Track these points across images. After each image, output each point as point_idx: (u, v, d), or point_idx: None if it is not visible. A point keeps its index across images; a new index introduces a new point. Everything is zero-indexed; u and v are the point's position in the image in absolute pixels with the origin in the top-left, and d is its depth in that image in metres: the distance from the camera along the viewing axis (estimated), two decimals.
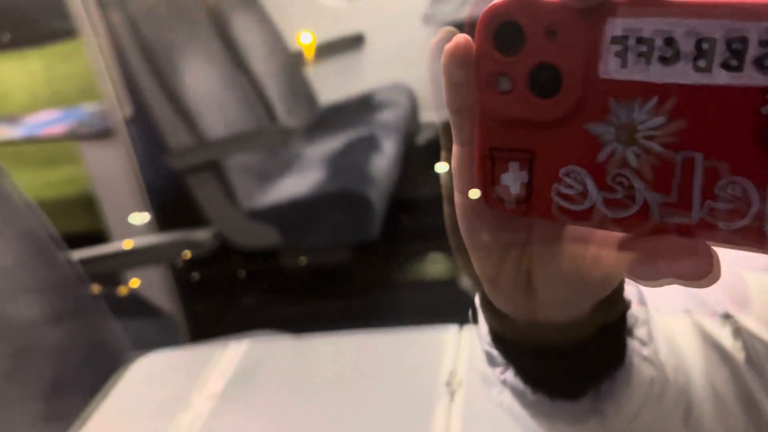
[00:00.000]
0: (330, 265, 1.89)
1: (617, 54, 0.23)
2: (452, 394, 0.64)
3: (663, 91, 0.22)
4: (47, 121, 2.15)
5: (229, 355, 0.74)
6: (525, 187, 0.25)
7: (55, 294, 1.01)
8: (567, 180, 0.25)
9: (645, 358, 0.35)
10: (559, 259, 0.28)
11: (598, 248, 0.26)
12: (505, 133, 0.25)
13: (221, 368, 0.71)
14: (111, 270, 1.27)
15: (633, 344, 0.35)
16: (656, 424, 0.37)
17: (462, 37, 0.25)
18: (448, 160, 0.29)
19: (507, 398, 0.37)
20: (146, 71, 1.89)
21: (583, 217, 0.25)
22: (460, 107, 0.26)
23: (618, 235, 0.26)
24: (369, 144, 2.07)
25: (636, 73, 0.22)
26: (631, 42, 0.22)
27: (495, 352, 0.36)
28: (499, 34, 0.24)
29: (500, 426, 0.59)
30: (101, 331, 1.02)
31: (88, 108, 2.11)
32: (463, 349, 0.69)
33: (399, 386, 0.67)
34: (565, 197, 0.25)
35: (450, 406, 0.62)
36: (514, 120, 0.25)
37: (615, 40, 0.23)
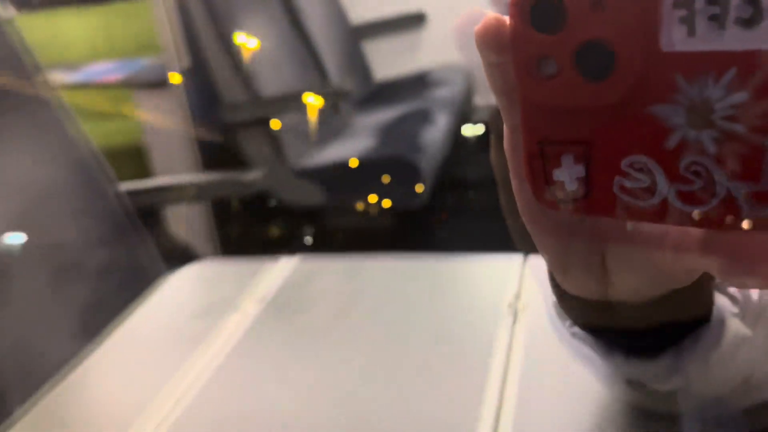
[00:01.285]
0: (372, 229, 1.89)
1: (682, 20, 0.19)
2: (515, 315, 0.62)
3: (743, 61, 0.18)
4: (104, 70, 2.20)
5: (281, 266, 0.73)
6: (582, 183, 0.22)
7: (101, 220, 1.03)
8: (631, 172, 0.21)
9: (734, 315, 0.33)
10: (635, 252, 0.25)
11: (679, 244, 0.23)
12: (553, 123, 0.22)
13: (272, 278, 0.71)
14: (156, 204, 1.29)
15: (722, 301, 0.32)
16: (741, 383, 0.34)
17: (491, 18, 0.22)
18: (498, 146, 0.26)
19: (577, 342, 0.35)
20: (207, 25, 1.91)
21: (653, 214, 0.21)
22: (504, 89, 0.23)
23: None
24: (422, 116, 2.06)
25: (707, 41, 0.18)
26: (699, 4, 0.18)
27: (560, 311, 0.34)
28: (536, 11, 0.21)
29: (563, 349, 0.57)
30: (141, 257, 1.04)
31: (145, 60, 2.16)
32: (527, 276, 0.67)
33: (456, 309, 0.65)
34: (630, 192, 0.21)
35: (513, 328, 0.60)
36: (563, 108, 0.21)
37: (678, 3, 0.19)
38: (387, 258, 0.73)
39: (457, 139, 2.24)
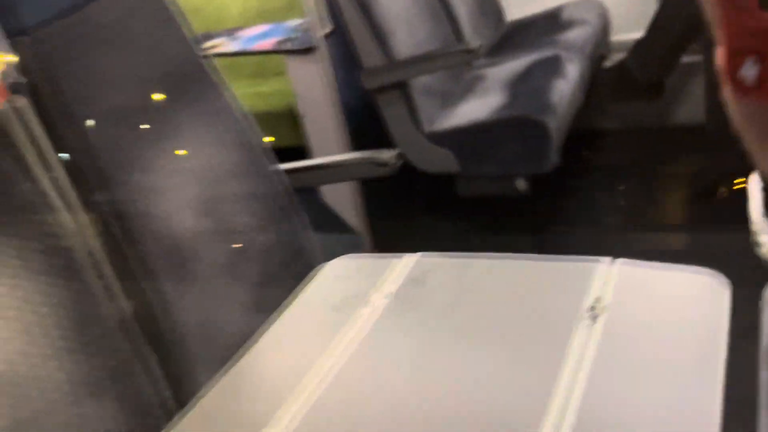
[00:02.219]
0: (502, 195, 1.93)
1: None
2: (594, 318, 0.72)
3: None
4: (258, 35, 2.35)
5: (404, 263, 0.87)
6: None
7: (265, 201, 1.18)
8: None
9: None
10: None
11: None
12: (745, 38, 0.29)
13: (396, 273, 0.85)
14: (308, 183, 1.42)
15: None
16: None
17: None
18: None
19: None
20: None
21: None
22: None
23: None
24: (552, 67, 2.03)
25: None
26: None
27: None
28: None
29: (635, 350, 0.67)
30: (300, 239, 1.19)
31: (294, 24, 2.28)
32: (612, 279, 0.77)
33: (546, 308, 0.76)
34: None
35: (590, 330, 0.70)
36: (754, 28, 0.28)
37: None
38: (493, 258, 0.85)
39: (592, 85, 2.19)
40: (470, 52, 2.04)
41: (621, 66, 2.34)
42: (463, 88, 2.15)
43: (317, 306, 0.84)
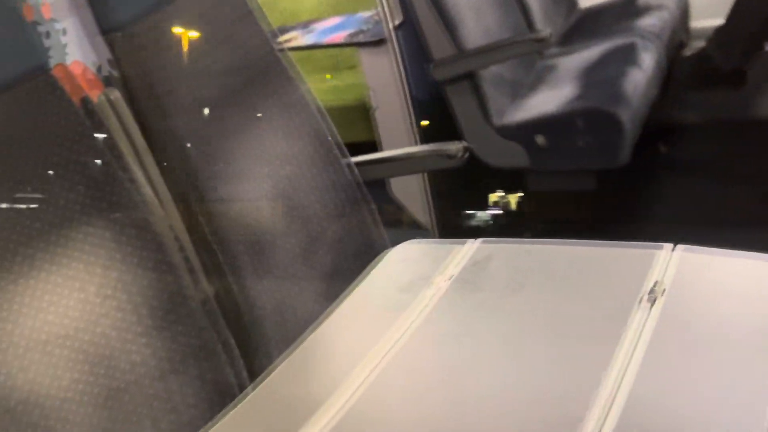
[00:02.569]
0: (572, 190, 1.91)
1: None
2: (652, 302, 0.73)
3: None
4: (330, 28, 2.40)
5: (466, 248, 0.91)
6: None
7: (337, 192, 1.23)
8: None
9: None
10: None
11: None
12: None
13: (459, 258, 0.89)
14: (377, 176, 1.46)
15: None
16: None
17: None
18: None
19: None
20: None
21: None
22: None
23: None
24: (626, 56, 1.98)
25: None
26: None
27: None
28: None
29: (692, 335, 0.68)
30: (369, 229, 1.24)
31: (365, 15, 2.32)
32: (673, 265, 0.77)
33: (604, 293, 0.78)
34: None
35: (647, 314, 0.72)
36: None
37: None
38: (553, 243, 0.87)
39: (669, 74, 2.13)
40: (541, 41, 2.00)
41: (701, 54, 2.26)
42: (534, 78, 2.13)
43: (383, 288, 0.88)
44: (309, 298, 1.06)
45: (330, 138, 1.25)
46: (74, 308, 0.85)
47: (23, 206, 0.83)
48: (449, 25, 2.00)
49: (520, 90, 2.07)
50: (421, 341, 0.77)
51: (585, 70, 2.04)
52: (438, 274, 0.87)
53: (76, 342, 0.84)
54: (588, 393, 0.64)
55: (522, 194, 1.99)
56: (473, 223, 2.03)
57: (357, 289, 0.88)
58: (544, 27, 2.27)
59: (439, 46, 2.00)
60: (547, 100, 1.96)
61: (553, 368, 0.71)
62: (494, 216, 2.03)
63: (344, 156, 1.27)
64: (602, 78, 1.95)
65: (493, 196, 1.96)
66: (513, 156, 1.93)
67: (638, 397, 0.63)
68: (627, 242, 0.83)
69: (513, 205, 2.00)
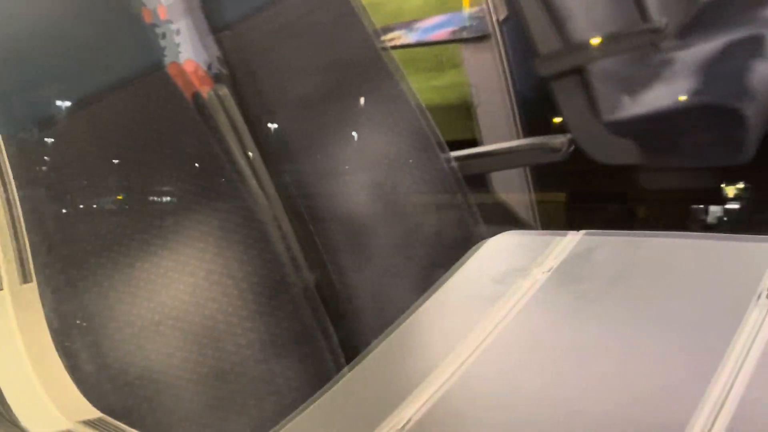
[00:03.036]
0: (691, 189, 1.82)
1: None
2: None
3: None
4: (434, 25, 2.42)
5: (567, 240, 0.89)
6: None
7: (435, 186, 1.24)
8: None
9: None
10: None
11: None
12: None
13: (559, 250, 0.87)
14: (478, 170, 1.46)
15: None
16: None
17: None
18: None
19: None
20: None
21: None
22: None
23: None
24: (753, 47, 1.87)
25: None
26: None
27: None
28: None
29: None
30: (467, 223, 1.24)
31: (469, 12, 2.32)
32: None
33: (716, 290, 0.73)
34: None
35: (765, 312, 0.67)
36: None
37: None
38: (661, 236, 0.83)
39: None
40: (655, 32, 1.93)
41: None
42: (649, 73, 2.05)
43: (478, 278, 0.88)
44: (405, 289, 1.08)
45: (429, 133, 1.27)
46: (185, 291, 0.91)
47: (139, 194, 0.90)
48: (556, 18, 1.96)
49: (633, 85, 1.99)
50: (515, 332, 0.76)
51: (706, 63, 1.94)
52: (536, 265, 0.86)
53: (186, 323, 0.89)
54: (696, 395, 0.61)
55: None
56: (575, 218, 1.97)
57: (451, 279, 0.88)
58: (659, 18, 2.18)
59: (545, 40, 1.96)
60: (664, 94, 1.87)
61: (658, 366, 0.68)
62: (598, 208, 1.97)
63: (443, 151, 1.28)
64: (725, 71, 1.85)
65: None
66: (624, 152, 1.86)
67: (751, 402, 0.59)
68: (743, 235, 0.78)
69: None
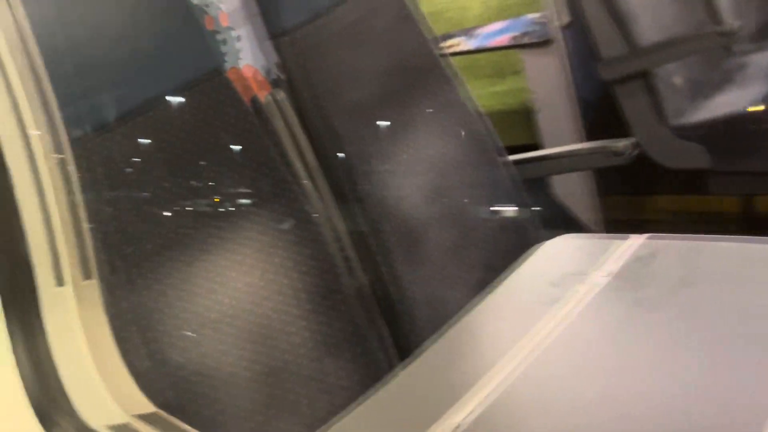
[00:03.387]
0: (761, 193, 1.75)
1: None
2: None
3: None
4: (495, 32, 2.41)
5: (629, 243, 0.86)
6: None
7: (492, 190, 1.23)
8: None
9: None
10: None
11: None
12: None
13: (620, 253, 0.84)
14: (538, 173, 1.44)
15: None
16: None
17: None
18: None
19: None
20: None
21: None
22: None
23: None
24: None
25: None
26: None
27: None
28: None
29: None
30: (526, 228, 1.22)
31: (531, 17, 2.30)
32: None
33: None
34: None
35: None
36: None
37: None
38: (729, 241, 0.80)
39: None
40: (726, 35, 1.87)
41: None
42: (721, 76, 1.98)
43: (534, 281, 0.86)
44: (459, 292, 1.07)
45: (487, 138, 1.26)
46: (241, 290, 0.92)
47: (199, 195, 0.92)
48: (620, 21, 1.92)
49: (702, 89, 1.93)
50: (572, 337, 0.74)
51: None
52: (595, 269, 0.83)
53: (242, 321, 0.91)
54: (764, 414, 0.58)
55: None
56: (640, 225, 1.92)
57: (507, 281, 0.87)
58: (731, 21, 2.11)
59: (608, 44, 1.93)
60: (737, 98, 1.82)
61: (725, 376, 0.64)
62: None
63: (502, 156, 1.27)
64: None
65: None
66: (692, 156, 1.81)
67: None
68: None
69: None
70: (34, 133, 0.69)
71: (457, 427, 0.65)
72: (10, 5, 0.69)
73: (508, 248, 1.18)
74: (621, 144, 1.31)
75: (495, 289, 0.85)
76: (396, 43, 1.25)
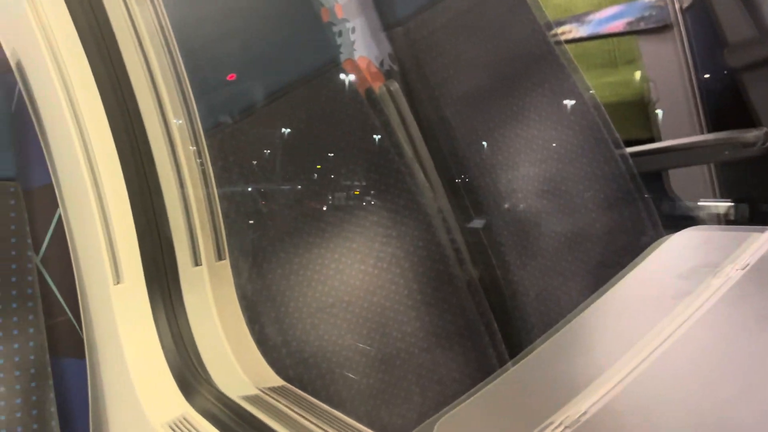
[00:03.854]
0: None
1: None
2: None
3: None
4: (608, 17, 2.37)
5: (766, 236, 0.85)
6: None
7: (608, 183, 1.23)
8: None
9: None
10: None
11: None
12: None
13: (756, 246, 0.83)
14: (658, 167, 1.42)
15: None
16: None
17: None
18: None
19: None
20: None
21: None
22: None
23: None
24: None
25: None
26: None
27: None
28: None
29: None
30: (643, 223, 1.22)
31: (647, 1, 2.25)
32: None
33: None
34: None
35: None
36: None
37: None
38: None
39: None
40: None
41: None
42: None
43: (660, 275, 0.87)
44: (573, 289, 1.09)
45: (603, 128, 1.26)
46: (355, 278, 0.99)
47: (316, 184, 0.99)
48: (749, 3, 1.87)
49: None
50: (703, 332, 0.74)
51: None
52: (729, 262, 0.83)
53: (356, 308, 0.97)
54: None
55: None
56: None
57: (630, 276, 0.88)
58: None
59: (735, 27, 1.88)
60: None
61: None
62: None
63: (618, 147, 1.27)
64: None
65: None
66: None
67: None
68: None
69: None
70: (176, 122, 0.78)
71: (584, 413, 0.66)
72: (155, 10, 0.78)
73: (625, 244, 1.18)
74: (751, 135, 1.28)
75: (617, 283, 0.87)
76: (508, 31, 1.28)
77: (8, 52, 0.82)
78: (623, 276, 0.87)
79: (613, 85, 2.49)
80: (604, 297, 0.84)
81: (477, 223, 1.13)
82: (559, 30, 2.30)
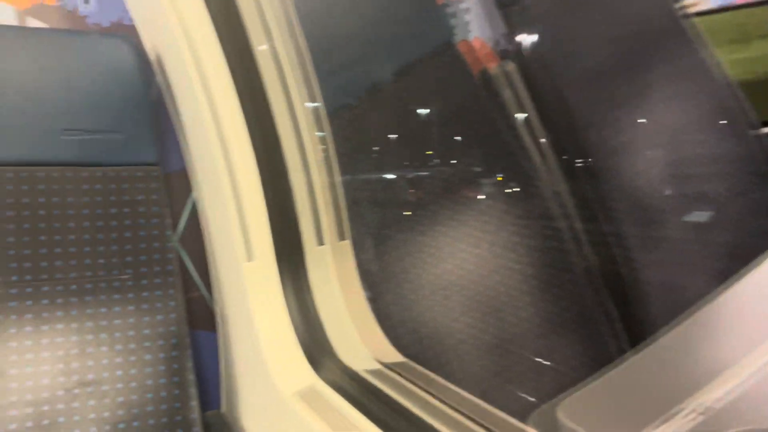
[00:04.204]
0: None
1: None
2: None
3: None
4: None
5: None
6: None
7: (741, 167, 1.20)
8: None
9: None
10: None
11: None
12: None
13: None
14: None
15: None
16: None
17: None
18: None
19: None
20: None
21: None
22: None
23: None
24: None
25: None
26: None
27: None
28: None
29: None
30: None
31: None
32: None
33: None
34: None
35: None
36: None
37: None
38: None
39: None
40: None
41: None
42: None
43: None
44: (699, 278, 1.08)
45: (736, 108, 1.23)
46: (469, 261, 1.03)
47: (430, 166, 1.04)
48: None
49: None
50: None
51: None
52: None
53: (470, 292, 1.02)
54: None
55: None
56: None
57: (765, 264, 0.86)
58: None
59: None
60: None
61: None
62: None
63: (754, 129, 1.24)
64: None
65: None
66: None
67: None
68: None
69: None
70: (303, 106, 0.84)
71: (719, 400, 0.66)
72: (284, 3, 0.85)
73: (758, 232, 1.16)
74: None
75: (751, 272, 0.85)
76: (631, 4, 1.27)
77: (148, 48, 0.91)
78: (757, 265, 0.85)
79: (746, 62, 2.38)
80: (735, 286, 0.83)
81: (596, 207, 1.14)
82: (686, 2, 2.23)
